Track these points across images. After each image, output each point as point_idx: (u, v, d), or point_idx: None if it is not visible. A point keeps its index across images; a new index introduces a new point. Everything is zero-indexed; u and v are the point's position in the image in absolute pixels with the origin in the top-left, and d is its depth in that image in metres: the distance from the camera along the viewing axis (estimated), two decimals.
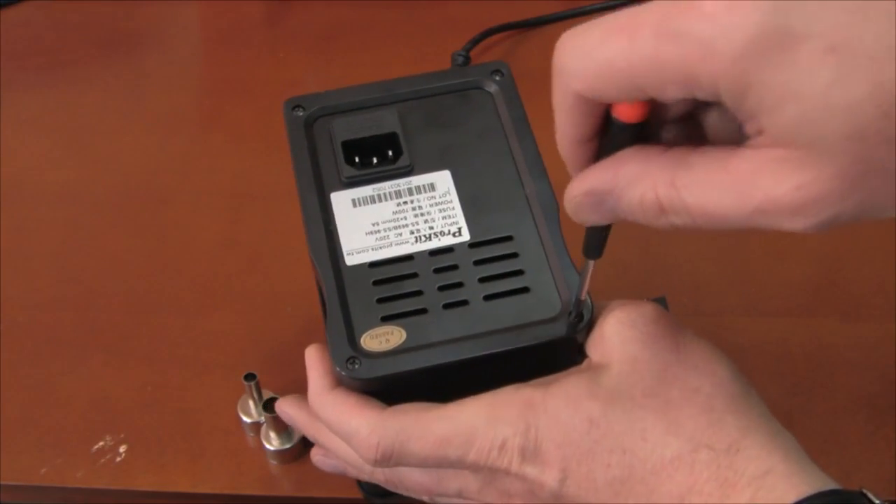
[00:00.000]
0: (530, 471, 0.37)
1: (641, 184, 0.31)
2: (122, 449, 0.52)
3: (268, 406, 0.49)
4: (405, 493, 0.43)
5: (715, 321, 0.55)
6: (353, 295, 0.42)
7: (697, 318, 0.55)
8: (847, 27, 0.26)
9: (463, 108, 0.47)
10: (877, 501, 0.33)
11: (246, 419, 0.52)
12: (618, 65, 0.29)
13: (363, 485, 0.48)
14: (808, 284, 0.55)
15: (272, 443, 0.50)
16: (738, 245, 0.60)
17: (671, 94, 0.29)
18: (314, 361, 0.42)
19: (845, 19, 0.26)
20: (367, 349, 0.40)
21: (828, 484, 0.34)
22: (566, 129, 0.32)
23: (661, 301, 0.42)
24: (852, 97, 0.26)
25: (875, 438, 0.51)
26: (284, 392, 0.51)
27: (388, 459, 0.39)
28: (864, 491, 0.34)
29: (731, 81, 0.27)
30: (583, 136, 0.32)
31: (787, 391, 0.53)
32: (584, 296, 0.39)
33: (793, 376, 0.53)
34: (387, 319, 0.41)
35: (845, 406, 0.52)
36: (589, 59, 0.29)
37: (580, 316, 0.40)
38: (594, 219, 0.33)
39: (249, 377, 0.50)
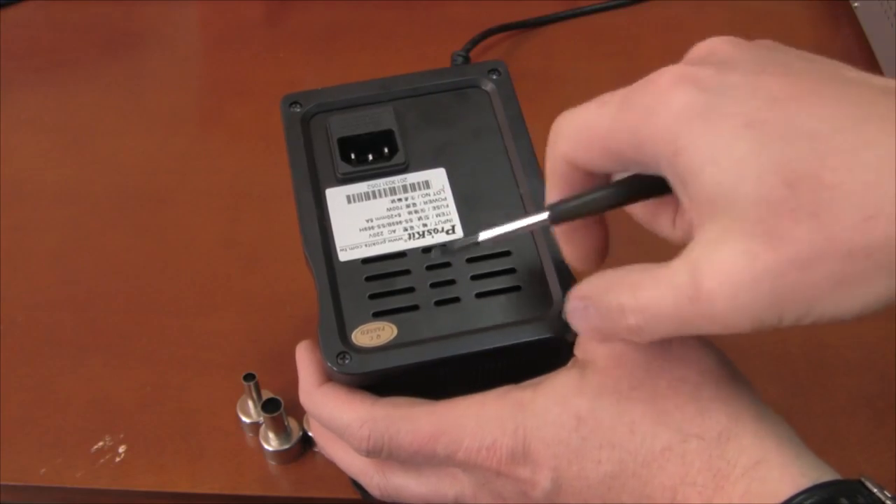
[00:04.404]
0: (521, 472, 0.37)
1: (611, 287, 0.34)
2: (121, 449, 0.52)
3: (267, 407, 0.49)
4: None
5: None
6: (345, 291, 0.42)
7: None
8: (765, 109, 0.30)
9: (459, 107, 0.47)
10: (875, 489, 0.33)
11: (245, 419, 0.52)
12: (589, 125, 0.34)
13: (356, 481, 0.48)
14: None
15: (271, 443, 0.50)
16: None
17: (629, 156, 0.33)
18: (304, 359, 0.43)
19: (764, 102, 0.30)
20: (358, 344, 0.40)
21: (823, 473, 0.34)
22: (553, 190, 0.37)
23: None
24: (761, 167, 0.29)
25: (875, 438, 0.51)
26: (283, 392, 0.51)
27: (378, 451, 0.39)
28: (863, 480, 0.33)
29: (665, 142, 0.31)
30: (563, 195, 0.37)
31: (786, 391, 0.53)
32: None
33: (792, 376, 0.53)
34: (378, 315, 0.41)
35: (845, 406, 0.52)
36: (572, 121, 0.35)
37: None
38: (584, 325, 0.36)
39: (249, 377, 0.50)
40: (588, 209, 0.36)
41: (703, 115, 0.31)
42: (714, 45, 0.34)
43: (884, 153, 0.28)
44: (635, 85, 0.33)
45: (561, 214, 0.36)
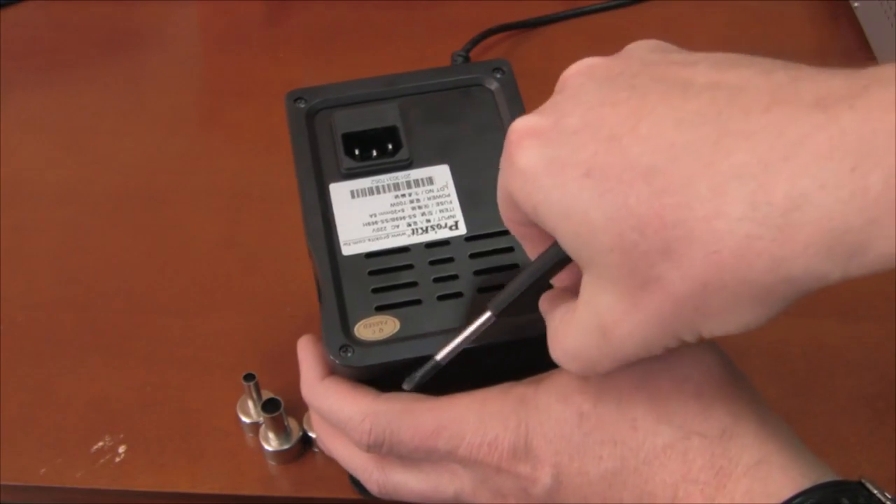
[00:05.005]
0: (522, 468, 0.37)
1: (548, 340, 0.36)
2: (121, 449, 0.52)
3: (267, 407, 0.49)
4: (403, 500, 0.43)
5: None
6: (348, 284, 0.42)
7: None
8: (602, 152, 0.30)
9: (464, 105, 0.48)
10: (875, 491, 0.33)
11: (245, 419, 0.52)
12: (499, 191, 0.35)
13: (355, 479, 0.48)
14: None
15: (270, 443, 0.50)
16: None
17: (521, 213, 0.34)
18: (306, 352, 0.43)
19: (602, 145, 0.30)
20: (361, 338, 0.40)
21: (824, 474, 0.34)
22: (527, 249, 0.38)
23: None
24: (607, 215, 0.30)
25: (875, 438, 0.51)
26: (283, 392, 0.51)
27: (379, 446, 0.39)
28: (863, 481, 0.34)
29: (524, 200, 0.33)
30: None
31: (787, 391, 0.53)
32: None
33: (793, 376, 0.53)
34: (381, 309, 0.41)
35: (845, 406, 0.52)
36: (497, 189, 0.36)
37: None
38: None
39: (249, 377, 0.50)
40: (520, 293, 0.37)
41: (547, 170, 0.32)
42: (568, 77, 0.34)
43: (719, 181, 0.28)
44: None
45: (501, 308, 0.37)
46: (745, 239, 0.27)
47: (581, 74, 0.34)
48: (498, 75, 0.48)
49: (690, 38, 0.75)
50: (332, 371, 0.42)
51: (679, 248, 0.29)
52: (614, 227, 0.30)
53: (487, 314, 0.37)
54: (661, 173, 0.29)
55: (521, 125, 0.33)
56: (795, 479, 0.33)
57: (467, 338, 0.38)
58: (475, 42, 0.71)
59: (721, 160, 0.28)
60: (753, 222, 0.27)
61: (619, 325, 0.31)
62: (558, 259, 0.35)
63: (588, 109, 0.32)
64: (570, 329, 0.34)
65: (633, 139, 0.30)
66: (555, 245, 0.35)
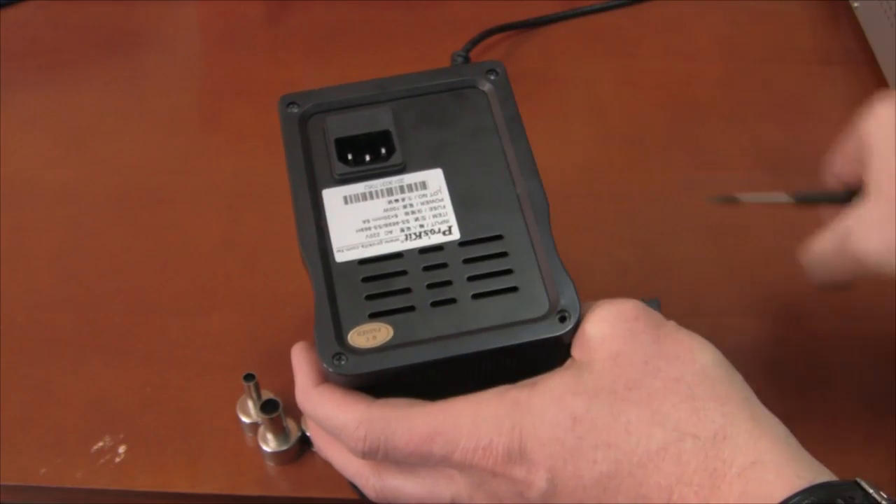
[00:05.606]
0: (517, 472, 0.37)
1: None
2: (121, 449, 0.52)
3: (265, 408, 0.49)
4: None
5: (714, 321, 0.55)
6: (341, 292, 0.42)
7: (697, 318, 0.55)
8: None
9: (457, 107, 0.47)
10: (871, 490, 0.33)
11: (245, 419, 0.52)
12: (844, 146, 0.49)
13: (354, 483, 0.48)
14: (808, 285, 0.54)
15: (269, 444, 0.50)
16: (738, 245, 0.60)
17: (851, 166, 0.47)
18: (300, 359, 0.43)
19: None
20: (354, 345, 0.40)
21: (819, 474, 0.34)
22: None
23: (654, 303, 0.41)
24: None
25: (875, 438, 0.51)
26: (283, 392, 0.51)
27: (375, 452, 0.39)
28: (859, 481, 0.34)
29: (872, 142, 0.45)
30: None
31: (787, 391, 0.53)
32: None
33: (793, 376, 0.53)
34: (375, 316, 0.41)
35: (845, 406, 0.52)
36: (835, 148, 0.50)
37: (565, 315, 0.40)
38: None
39: (249, 377, 0.50)
40: (823, 197, 0.50)
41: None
42: None
43: None
44: None
45: (803, 197, 0.51)
46: None
47: None
48: (492, 77, 0.48)
49: (690, 37, 0.75)
50: (326, 378, 0.42)
51: None
52: None
53: (788, 196, 0.50)
54: None
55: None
56: (790, 479, 0.33)
57: (758, 199, 0.52)
58: (475, 42, 0.71)
59: None
60: None
61: (865, 234, 0.44)
62: (845, 200, 0.47)
63: None
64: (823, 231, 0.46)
65: None
66: (849, 193, 0.47)
